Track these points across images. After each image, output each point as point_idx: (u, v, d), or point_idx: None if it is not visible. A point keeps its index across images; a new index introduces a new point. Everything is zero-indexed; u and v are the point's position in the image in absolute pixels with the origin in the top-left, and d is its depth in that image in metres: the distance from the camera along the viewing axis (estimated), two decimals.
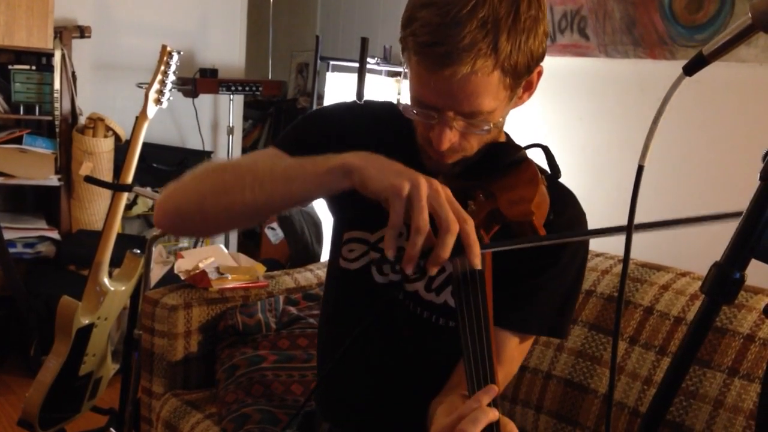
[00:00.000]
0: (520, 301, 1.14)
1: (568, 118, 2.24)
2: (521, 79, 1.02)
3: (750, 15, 0.67)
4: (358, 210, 1.20)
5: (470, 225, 0.89)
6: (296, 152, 1.09)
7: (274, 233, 4.13)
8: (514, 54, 0.96)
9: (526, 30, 0.97)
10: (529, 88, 1.08)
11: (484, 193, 1.02)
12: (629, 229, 0.74)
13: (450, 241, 0.87)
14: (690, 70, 0.72)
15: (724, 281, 0.65)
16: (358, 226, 1.23)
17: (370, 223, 1.22)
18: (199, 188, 1.10)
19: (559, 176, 1.11)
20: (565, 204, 1.15)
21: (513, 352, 1.16)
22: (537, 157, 1.12)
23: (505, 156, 1.06)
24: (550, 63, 2.21)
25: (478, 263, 0.90)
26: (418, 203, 0.87)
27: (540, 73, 1.07)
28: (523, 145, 1.13)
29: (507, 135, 1.21)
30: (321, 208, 3.03)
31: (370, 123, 1.20)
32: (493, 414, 0.84)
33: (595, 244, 1.89)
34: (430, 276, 1.18)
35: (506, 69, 0.97)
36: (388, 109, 1.24)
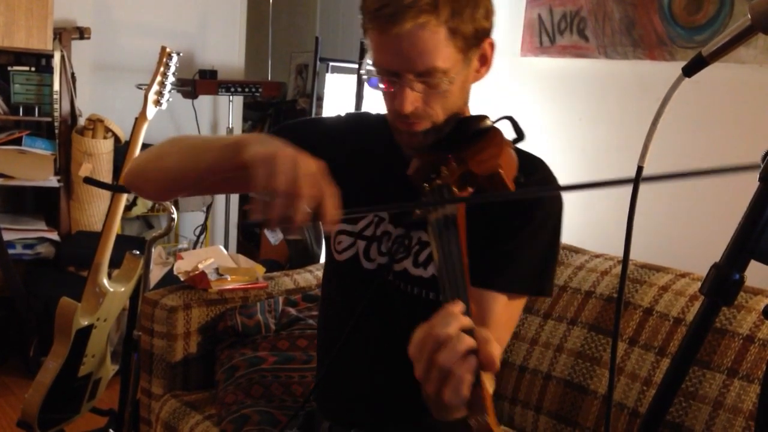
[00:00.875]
0: (500, 262, 1.17)
1: (568, 119, 2.24)
2: (469, 42, 1.10)
3: (749, 16, 0.67)
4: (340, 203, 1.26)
5: (329, 195, 0.94)
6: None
7: (273, 234, 4.12)
8: (456, 17, 1.06)
9: None
10: (485, 63, 1.17)
11: (456, 160, 1.07)
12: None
13: (298, 205, 0.91)
14: (689, 71, 0.72)
15: (723, 282, 0.65)
16: (342, 219, 1.28)
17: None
18: (150, 153, 1.23)
19: (522, 138, 1.17)
20: (534, 167, 1.21)
21: (500, 315, 1.16)
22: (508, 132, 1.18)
23: (472, 126, 1.14)
24: (550, 64, 2.21)
25: (331, 229, 0.99)
26: (273, 169, 0.93)
27: (492, 46, 1.16)
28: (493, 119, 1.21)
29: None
30: None
31: (356, 130, 1.31)
32: (466, 320, 0.81)
33: (595, 245, 1.89)
34: (415, 252, 1.24)
35: (451, 28, 1.06)
36: (373, 117, 1.35)
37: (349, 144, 1.29)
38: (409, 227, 1.23)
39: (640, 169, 0.73)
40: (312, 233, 3.50)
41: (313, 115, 3.59)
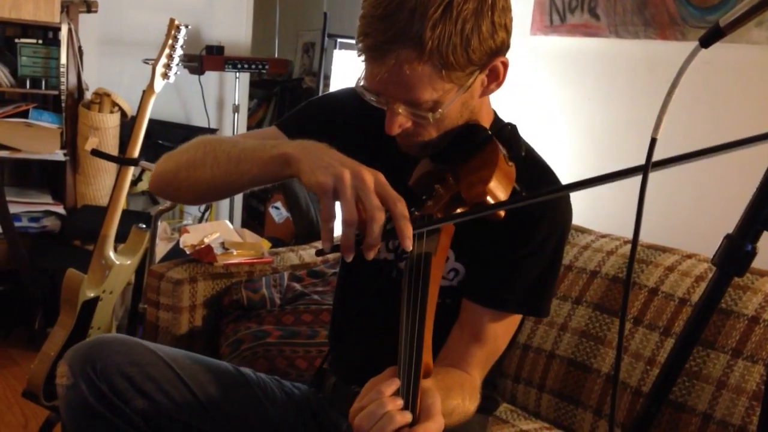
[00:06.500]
0: (496, 279, 1.15)
1: (577, 98, 2.23)
2: (466, 70, 1.00)
3: None
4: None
5: (400, 208, 0.92)
6: (295, 135, 1.12)
7: (278, 212, 4.13)
8: (443, 46, 0.96)
9: (460, 22, 0.96)
10: (496, 79, 1.07)
11: (453, 176, 1.04)
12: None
13: (375, 229, 0.90)
14: (706, 42, 0.72)
15: (735, 253, 0.65)
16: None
17: None
18: (180, 160, 1.18)
19: (520, 153, 1.08)
20: (540, 181, 1.16)
21: (494, 330, 1.17)
22: (527, 133, 1.12)
23: (471, 138, 1.08)
24: (560, 43, 2.19)
25: (408, 245, 0.93)
26: (343, 197, 0.91)
27: (505, 64, 1.06)
28: (507, 122, 1.12)
29: (495, 113, 1.21)
30: None
31: (369, 109, 1.23)
32: (393, 404, 0.85)
33: (603, 226, 1.89)
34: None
35: (437, 62, 0.97)
36: None
37: (358, 127, 1.22)
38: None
39: (653, 140, 0.72)
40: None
41: (320, 93, 3.57)
